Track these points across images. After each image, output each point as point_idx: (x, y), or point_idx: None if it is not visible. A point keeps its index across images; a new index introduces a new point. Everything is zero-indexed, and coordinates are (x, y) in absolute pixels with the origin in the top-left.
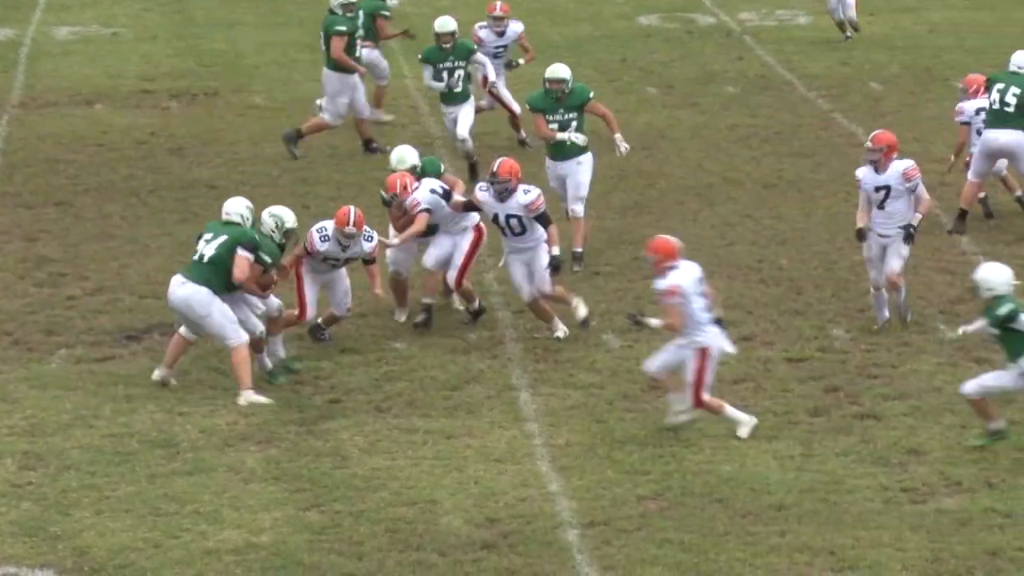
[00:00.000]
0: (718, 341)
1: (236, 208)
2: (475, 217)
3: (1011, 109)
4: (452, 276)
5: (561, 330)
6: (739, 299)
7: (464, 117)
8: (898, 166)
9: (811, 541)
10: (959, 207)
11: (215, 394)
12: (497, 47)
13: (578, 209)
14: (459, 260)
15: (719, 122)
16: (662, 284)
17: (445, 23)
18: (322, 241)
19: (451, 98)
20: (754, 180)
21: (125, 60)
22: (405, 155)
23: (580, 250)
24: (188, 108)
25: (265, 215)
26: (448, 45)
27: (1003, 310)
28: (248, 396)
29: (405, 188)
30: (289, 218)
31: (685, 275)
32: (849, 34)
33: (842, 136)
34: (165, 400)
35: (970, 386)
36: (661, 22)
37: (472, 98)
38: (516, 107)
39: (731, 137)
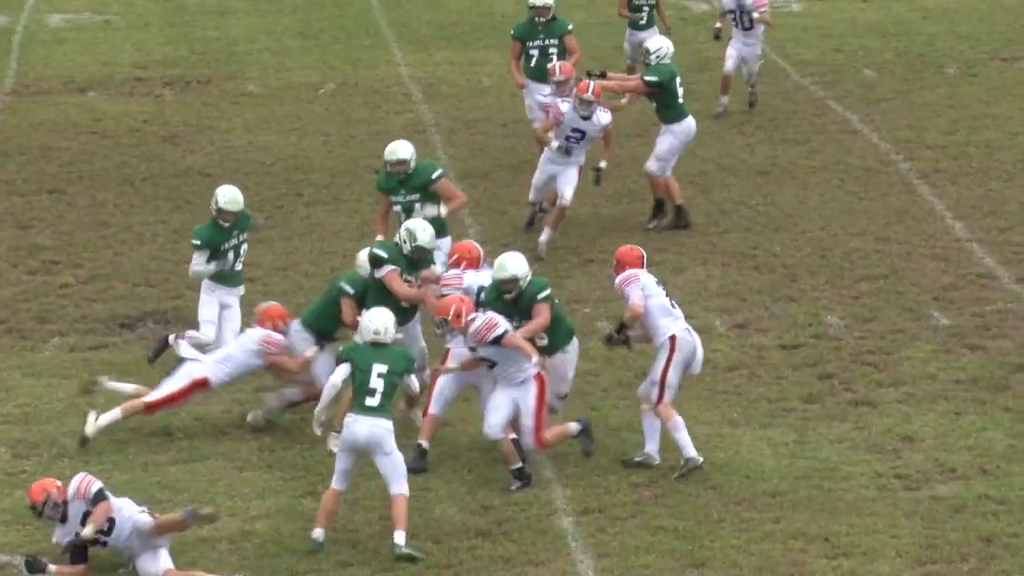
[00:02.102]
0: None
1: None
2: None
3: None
4: (529, 440)
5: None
6: (733, 286)
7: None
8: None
9: (806, 528)
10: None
11: None
12: (574, 131)
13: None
14: (529, 422)
15: (713, 109)
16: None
17: (234, 198)
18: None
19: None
20: (748, 167)
21: (118, 48)
22: (398, 148)
23: None
24: (181, 96)
25: (401, 227)
26: (228, 223)
27: None
28: None
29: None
30: (422, 235)
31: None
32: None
33: (836, 123)
34: None
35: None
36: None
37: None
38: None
39: (725, 124)
